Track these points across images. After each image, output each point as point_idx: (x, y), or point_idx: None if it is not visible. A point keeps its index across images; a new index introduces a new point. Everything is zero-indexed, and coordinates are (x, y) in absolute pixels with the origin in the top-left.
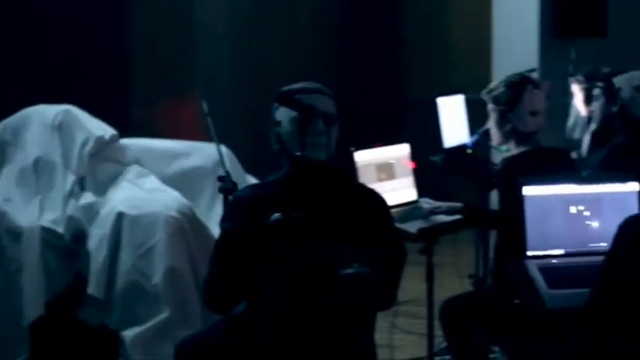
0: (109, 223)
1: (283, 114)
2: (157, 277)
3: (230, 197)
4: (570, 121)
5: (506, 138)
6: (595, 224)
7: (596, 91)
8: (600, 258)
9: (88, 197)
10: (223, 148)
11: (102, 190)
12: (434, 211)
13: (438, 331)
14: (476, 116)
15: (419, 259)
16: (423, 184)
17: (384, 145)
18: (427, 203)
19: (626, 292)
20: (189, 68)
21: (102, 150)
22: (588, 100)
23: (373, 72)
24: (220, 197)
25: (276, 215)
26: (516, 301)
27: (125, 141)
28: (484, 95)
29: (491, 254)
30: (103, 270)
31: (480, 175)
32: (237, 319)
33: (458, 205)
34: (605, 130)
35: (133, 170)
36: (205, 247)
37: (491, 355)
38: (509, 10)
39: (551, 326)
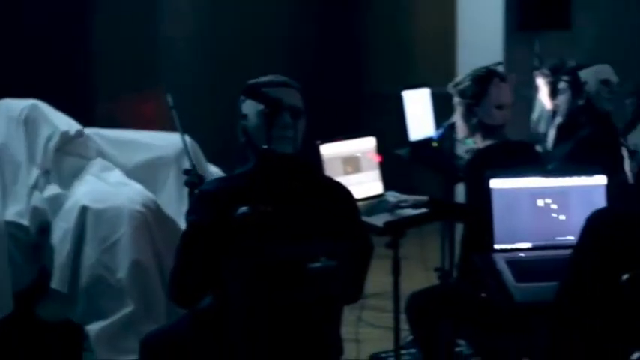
0: (73, 216)
1: (250, 107)
2: (122, 271)
3: (196, 191)
4: (535, 115)
5: (472, 131)
6: (562, 217)
7: (562, 85)
8: (568, 251)
9: (52, 190)
10: (187, 139)
11: (66, 184)
12: (400, 205)
13: (404, 325)
14: (441, 110)
15: (385, 253)
16: (388, 178)
17: (350, 138)
18: (393, 197)
19: (593, 286)
20: (152, 63)
21: (67, 145)
22: (553, 93)
23: (338, 65)
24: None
25: (243, 209)
26: (483, 294)
27: (89, 131)
28: (450, 88)
29: (457, 247)
30: (67, 264)
31: (446, 168)
32: (202, 313)
33: (424, 198)
34: (571, 123)
35: (97, 164)
36: (170, 241)
37: (457, 349)
38: (474, 3)
39: (519, 319)
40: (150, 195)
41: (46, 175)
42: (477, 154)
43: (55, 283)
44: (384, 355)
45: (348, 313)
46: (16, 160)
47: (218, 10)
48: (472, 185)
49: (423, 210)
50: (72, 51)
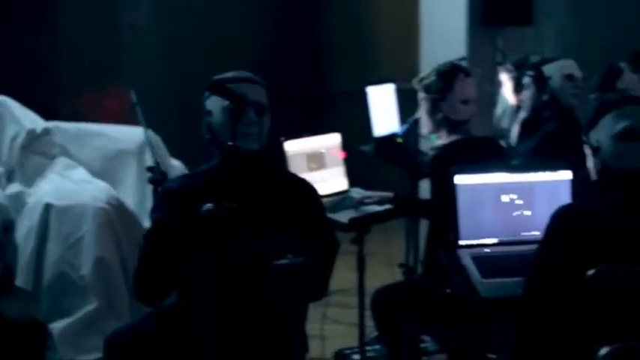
0: (37, 214)
1: (215, 103)
2: (85, 269)
3: (160, 188)
4: (498, 110)
5: (437, 126)
6: (527, 213)
7: (526, 80)
8: (533, 247)
9: (15, 187)
10: (150, 133)
11: (30, 182)
12: (364, 201)
13: (369, 321)
14: (405, 105)
15: (349, 249)
16: (353, 174)
17: (314, 134)
18: (358, 193)
19: (559, 282)
20: (116, 59)
21: (32, 143)
22: (517, 88)
23: (302, 62)
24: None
25: (208, 206)
26: (448, 290)
27: (51, 124)
28: (415, 84)
29: (421, 243)
30: (31, 261)
31: (410, 164)
32: (167, 311)
33: (388, 194)
34: (535, 118)
35: (61, 162)
36: (134, 238)
37: (422, 345)
38: None
39: (484, 315)
40: (113, 192)
41: (10, 173)
42: (442, 150)
43: (19, 280)
44: (348, 351)
45: (313, 310)
46: None
47: (182, 7)
48: (437, 181)
49: (388, 206)
50: (35, 47)
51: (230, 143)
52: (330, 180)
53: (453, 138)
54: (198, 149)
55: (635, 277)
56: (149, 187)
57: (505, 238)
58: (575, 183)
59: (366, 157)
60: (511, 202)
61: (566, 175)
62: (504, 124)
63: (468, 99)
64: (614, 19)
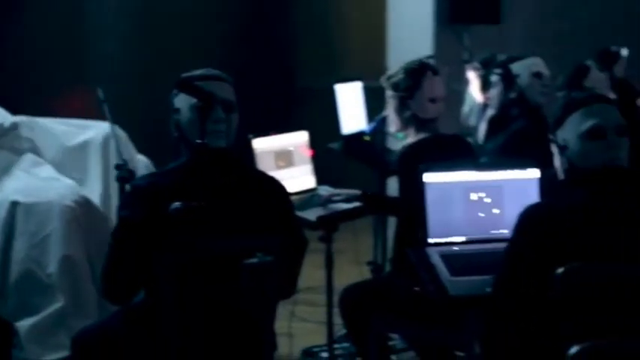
0: (3, 211)
1: (182, 101)
2: (52, 266)
3: (128, 186)
4: (465, 108)
5: (405, 124)
6: (496, 211)
7: (494, 78)
8: (502, 245)
9: None
10: (117, 130)
11: None
12: (332, 199)
13: (337, 319)
14: (372, 103)
15: (317, 247)
16: (321, 172)
17: (282, 132)
18: (325, 191)
19: (528, 281)
20: (83, 57)
21: (0, 137)
22: (485, 86)
23: (270, 60)
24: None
25: (177, 204)
26: (416, 288)
27: (19, 118)
28: (383, 82)
29: (389, 241)
30: None
31: (378, 162)
32: (135, 309)
33: (356, 192)
34: (503, 116)
35: (27, 159)
36: (101, 236)
37: (391, 343)
38: None
39: (453, 313)
40: (80, 190)
41: None
42: (410, 148)
43: None
44: (316, 349)
45: (281, 308)
46: None
47: (149, 6)
48: (405, 179)
49: (356, 204)
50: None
51: (198, 141)
52: (298, 178)
53: (421, 136)
54: (165, 146)
55: (604, 275)
56: (113, 179)
57: (474, 236)
58: (542, 181)
59: (334, 154)
60: (480, 201)
61: (535, 173)
62: (471, 122)
63: (436, 97)
64: (581, 17)
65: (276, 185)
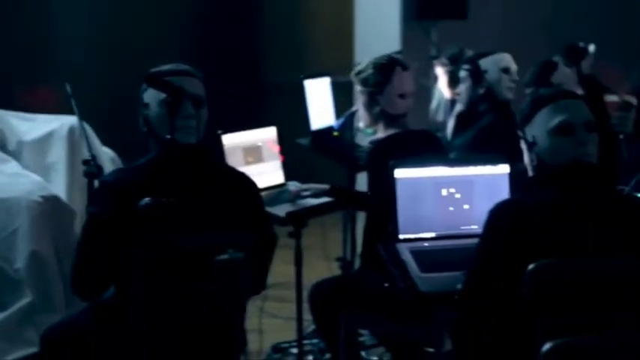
0: None
1: (152, 96)
2: (20, 262)
3: (96, 181)
4: (433, 104)
5: (374, 120)
6: (466, 207)
7: (463, 74)
8: (472, 241)
9: None
10: (85, 126)
11: None
12: (301, 194)
13: (307, 315)
14: (340, 99)
15: (286, 243)
16: (290, 168)
17: (251, 128)
18: (294, 186)
19: (499, 278)
20: (50, 52)
21: None
22: (453, 82)
23: (237, 55)
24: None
25: (146, 200)
26: (386, 284)
27: None
28: (352, 77)
29: (358, 238)
30: None
31: (347, 157)
32: (105, 305)
33: (325, 186)
34: (471, 112)
35: None
36: (69, 232)
37: (360, 339)
38: None
39: (422, 309)
40: (48, 185)
41: None
42: (380, 144)
43: None
44: (286, 345)
45: (250, 304)
46: None
47: (115, 1)
48: (375, 174)
49: (325, 199)
50: None
51: (168, 137)
52: (267, 173)
53: (391, 132)
54: (133, 142)
55: (575, 271)
56: (79, 173)
57: (444, 232)
58: (512, 177)
59: (302, 150)
60: (450, 196)
61: (505, 168)
62: (439, 117)
63: (405, 93)
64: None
65: (246, 181)
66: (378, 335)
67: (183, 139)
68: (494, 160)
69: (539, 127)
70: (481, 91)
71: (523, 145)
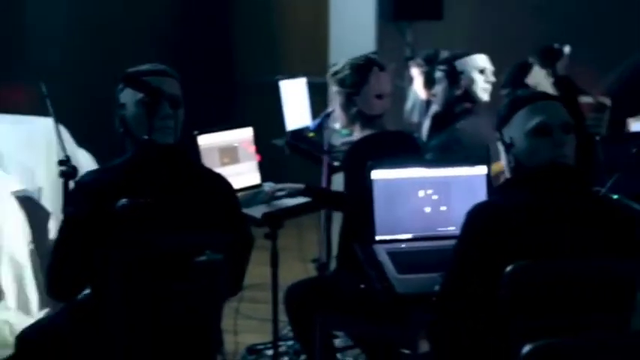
0: None
1: (128, 96)
2: None
3: (72, 182)
4: (408, 105)
5: (351, 121)
6: (443, 208)
7: (439, 74)
8: (449, 242)
9: None
10: (59, 126)
11: None
12: (276, 194)
13: (283, 316)
14: (314, 99)
15: (262, 244)
16: (266, 168)
17: (227, 129)
18: (270, 187)
19: (476, 280)
20: (24, 50)
21: None
22: (428, 83)
23: (213, 56)
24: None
25: (123, 201)
26: (362, 285)
27: None
28: (329, 78)
29: (334, 239)
30: None
31: (323, 158)
32: (81, 306)
33: (300, 186)
34: (446, 113)
35: None
36: (44, 232)
37: (336, 340)
38: None
39: (399, 311)
40: (25, 187)
41: None
42: (356, 144)
43: None
44: (261, 346)
45: (226, 305)
46: None
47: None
48: (351, 175)
49: (301, 199)
50: None
51: (145, 137)
52: (243, 174)
53: (367, 132)
54: (109, 142)
55: (552, 273)
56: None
57: (421, 234)
58: (490, 178)
59: (278, 151)
60: (427, 197)
61: (482, 170)
62: (414, 118)
63: (382, 93)
64: (523, 12)
65: (222, 182)
66: (354, 337)
67: (161, 139)
68: (471, 161)
69: (517, 128)
70: (457, 92)
71: (500, 147)
